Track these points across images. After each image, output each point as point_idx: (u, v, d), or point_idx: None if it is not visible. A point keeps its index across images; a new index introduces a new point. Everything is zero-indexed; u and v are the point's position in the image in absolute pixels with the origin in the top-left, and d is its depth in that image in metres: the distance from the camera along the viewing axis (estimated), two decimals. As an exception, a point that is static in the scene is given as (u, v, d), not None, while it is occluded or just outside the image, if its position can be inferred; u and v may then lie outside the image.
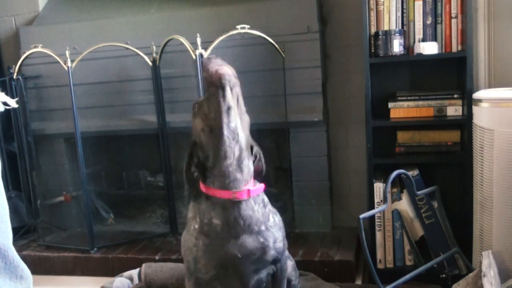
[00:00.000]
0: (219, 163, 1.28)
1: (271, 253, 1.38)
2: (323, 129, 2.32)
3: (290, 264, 1.57)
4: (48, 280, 2.35)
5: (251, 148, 1.36)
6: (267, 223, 1.37)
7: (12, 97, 2.45)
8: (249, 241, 1.34)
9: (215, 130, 1.25)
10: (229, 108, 1.24)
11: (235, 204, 1.31)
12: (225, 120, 1.24)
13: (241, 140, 1.29)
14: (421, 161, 2.09)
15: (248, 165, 1.33)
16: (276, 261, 1.42)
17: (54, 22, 2.58)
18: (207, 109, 1.26)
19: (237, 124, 1.27)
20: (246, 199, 1.32)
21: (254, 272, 1.38)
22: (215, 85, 1.23)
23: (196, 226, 1.37)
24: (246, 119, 1.35)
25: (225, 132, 1.25)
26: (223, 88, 1.22)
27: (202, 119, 1.29)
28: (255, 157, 1.38)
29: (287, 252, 1.49)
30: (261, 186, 1.37)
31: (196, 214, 1.38)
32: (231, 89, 1.24)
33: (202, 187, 1.36)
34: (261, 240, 1.35)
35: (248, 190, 1.31)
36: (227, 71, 1.24)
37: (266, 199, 1.41)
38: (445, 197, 2.11)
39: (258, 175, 1.40)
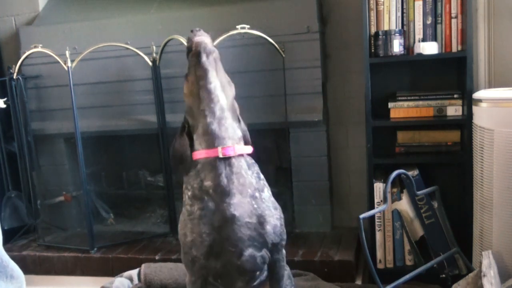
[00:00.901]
0: (202, 122, 1.37)
1: (269, 229, 1.37)
2: (323, 129, 2.32)
3: (285, 273, 1.54)
4: (48, 280, 2.35)
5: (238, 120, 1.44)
6: (261, 193, 1.39)
7: (12, 97, 2.46)
8: (244, 202, 1.35)
9: (195, 92, 1.38)
10: (206, 71, 1.36)
11: (225, 162, 1.35)
12: (201, 82, 1.36)
13: (221, 101, 1.38)
14: (421, 161, 2.09)
15: (233, 126, 1.40)
16: (273, 250, 1.41)
17: (54, 22, 2.58)
18: (190, 75, 1.40)
19: (216, 85, 1.38)
20: (236, 159, 1.37)
21: (249, 243, 1.36)
22: (193, 52, 1.38)
23: (189, 194, 1.39)
24: (230, 87, 1.44)
25: (202, 93, 1.36)
26: (199, 54, 1.36)
27: (187, 84, 1.42)
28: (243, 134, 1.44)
29: (284, 251, 1.48)
30: (248, 147, 1.43)
31: (187, 184, 1.41)
32: (207, 55, 1.37)
33: (193, 155, 1.40)
34: (255, 206, 1.36)
35: (234, 147, 1.37)
36: (203, 40, 1.39)
37: (262, 175, 1.44)
38: (445, 197, 2.11)
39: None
